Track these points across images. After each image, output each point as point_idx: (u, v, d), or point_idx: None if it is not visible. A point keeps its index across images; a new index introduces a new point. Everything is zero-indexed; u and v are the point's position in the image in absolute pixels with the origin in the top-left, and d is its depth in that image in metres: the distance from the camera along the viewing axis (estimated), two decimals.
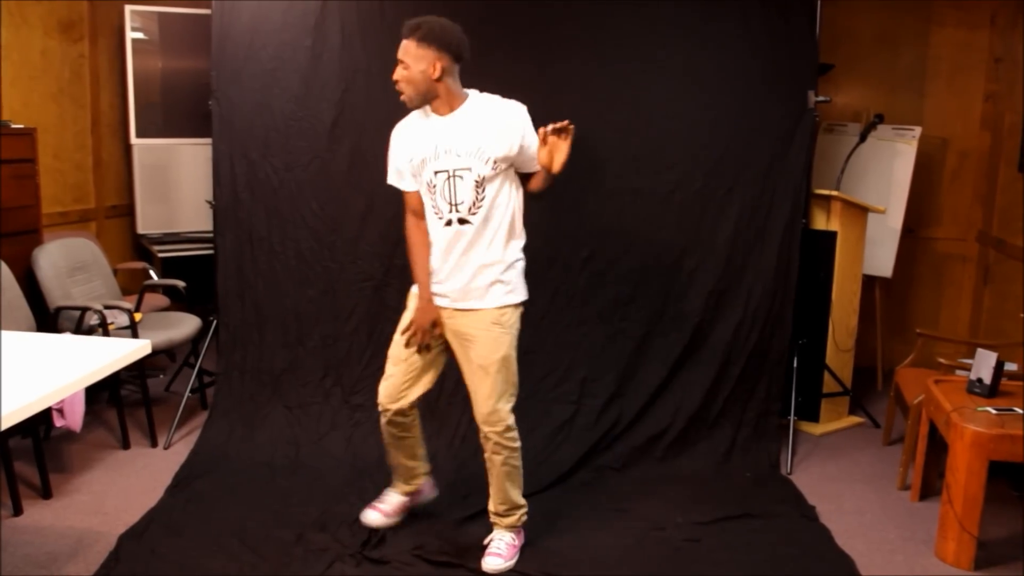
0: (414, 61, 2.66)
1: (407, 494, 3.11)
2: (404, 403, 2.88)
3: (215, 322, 3.98)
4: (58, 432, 3.82)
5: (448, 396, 3.76)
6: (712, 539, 3.06)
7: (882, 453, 3.96)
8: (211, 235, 3.98)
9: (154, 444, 3.87)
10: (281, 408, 3.82)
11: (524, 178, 2.80)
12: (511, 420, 2.76)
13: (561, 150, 2.60)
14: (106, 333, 3.78)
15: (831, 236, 4.10)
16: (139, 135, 5.12)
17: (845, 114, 4.96)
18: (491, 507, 2.90)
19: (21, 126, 4.06)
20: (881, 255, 4.66)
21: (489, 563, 2.81)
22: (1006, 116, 4.60)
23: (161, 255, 5.12)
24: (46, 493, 3.31)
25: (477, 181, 2.67)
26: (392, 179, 2.90)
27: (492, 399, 2.73)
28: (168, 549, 2.90)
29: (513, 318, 2.79)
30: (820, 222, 4.14)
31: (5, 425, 1.97)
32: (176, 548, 2.90)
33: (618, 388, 3.79)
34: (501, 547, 2.85)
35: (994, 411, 3.00)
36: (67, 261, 4.10)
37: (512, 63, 3.62)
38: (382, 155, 3.81)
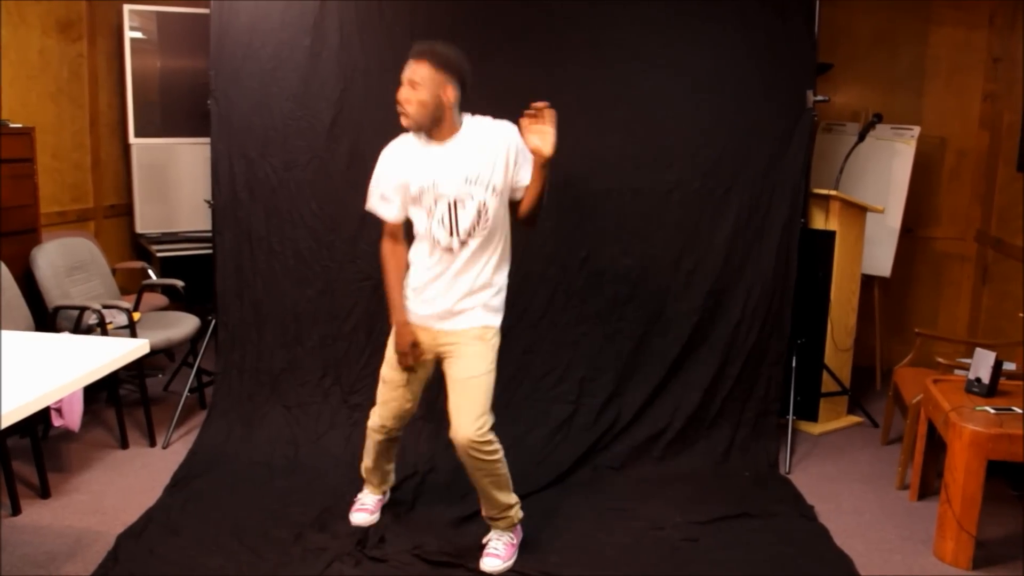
0: (428, 84, 2.61)
1: (382, 493, 3.21)
2: (405, 422, 2.99)
3: (214, 322, 3.98)
4: (56, 431, 3.82)
5: (446, 396, 3.75)
6: (711, 539, 3.06)
7: (881, 453, 3.96)
8: (210, 235, 3.98)
9: (153, 444, 3.87)
10: (280, 408, 3.82)
11: (513, 207, 2.79)
12: (491, 435, 2.71)
13: (547, 133, 2.56)
14: (104, 333, 3.77)
15: (830, 236, 4.10)
16: (138, 134, 5.12)
17: (844, 114, 4.96)
18: (483, 512, 2.90)
19: (19, 125, 4.06)
20: (880, 255, 4.66)
21: (488, 564, 2.81)
22: (1004, 115, 4.60)
23: (160, 255, 5.12)
24: (44, 493, 3.31)
25: (480, 208, 2.67)
26: (374, 204, 2.85)
27: (473, 414, 2.67)
28: (167, 549, 2.89)
29: (495, 339, 2.80)
30: (819, 222, 4.15)
31: (4, 424, 1.97)
32: (175, 548, 2.90)
33: (617, 388, 3.79)
34: (499, 548, 2.85)
35: (992, 410, 3.00)
36: (65, 261, 4.10)
37: (511, 65, 3.62)
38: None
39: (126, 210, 5.33)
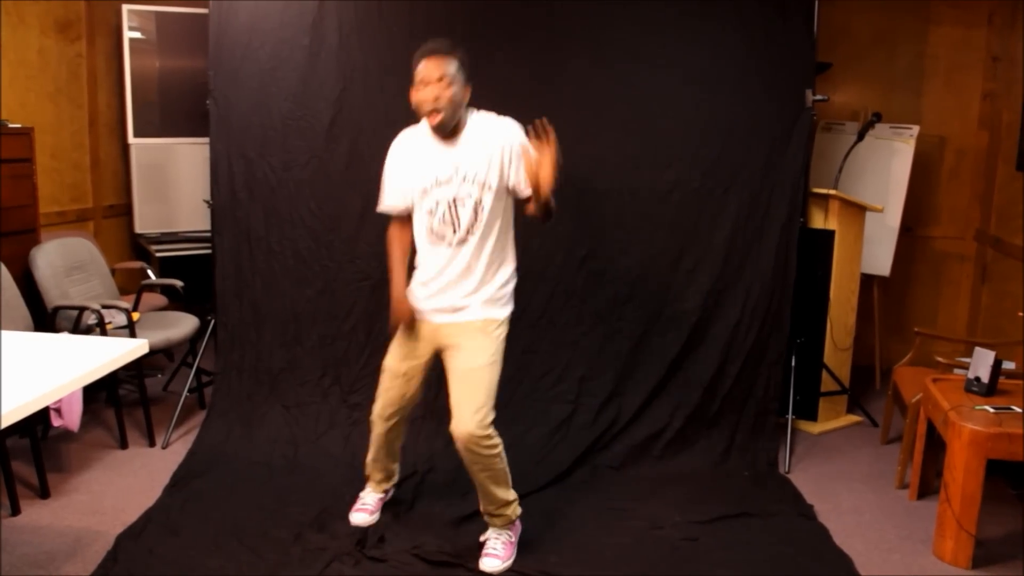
0: (457, 81, 2.63)
1: (384, 491, 3.19)
2: (406, 412, 2.96)
3: (213, 322, 3.98)
4: (56, 432, 3.82)
5: (446, 395, 3.75)
6: (710, 538, 3.06)
7: (880, 452, 3.96)
8: (209, 235, 3.98)
9: (152, 444, 3.87)
10: (279, 407, 3.82)
11: (521, 204, 2.79)
12: (491, 429, 2.71)
13: (544, 164, 2.52)
14: (104, 333, 3.77)
15: (829, 235, 4.10)
16: (137, 135, 5.12)
17: (843, 113, 4.96)
18: (481, 507, 2.89)
19: (18, 126, 4.05)
20: (879, 254, 4.66)
21: (487, 564, 2.80)
22: (1004, 114, 4.60)
23: (159, 255, 5.12)
24: (44, 493, 3.31)
25: (475, 206, 2.68)
26: (384, 198, 2.90)
27: (472, 407, 2.67)
28: (166, 549, 2.89)
29: (499, 331, 2.79)
30: (818, 221, 4.15)
31: (3, 424, 1.97)
32: (174, 547, 2.90)
33: (616, 387, 3.79)
34: (497, 547, 2.84)
35: (992, 410, 3.00)
36: (65, 261, 4.10)
37: (511, 64, 3.63)
38: (380, 154, 3.79)
39: (125, 210, 5.33)
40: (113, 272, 4.56)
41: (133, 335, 3.82)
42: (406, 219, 2.88)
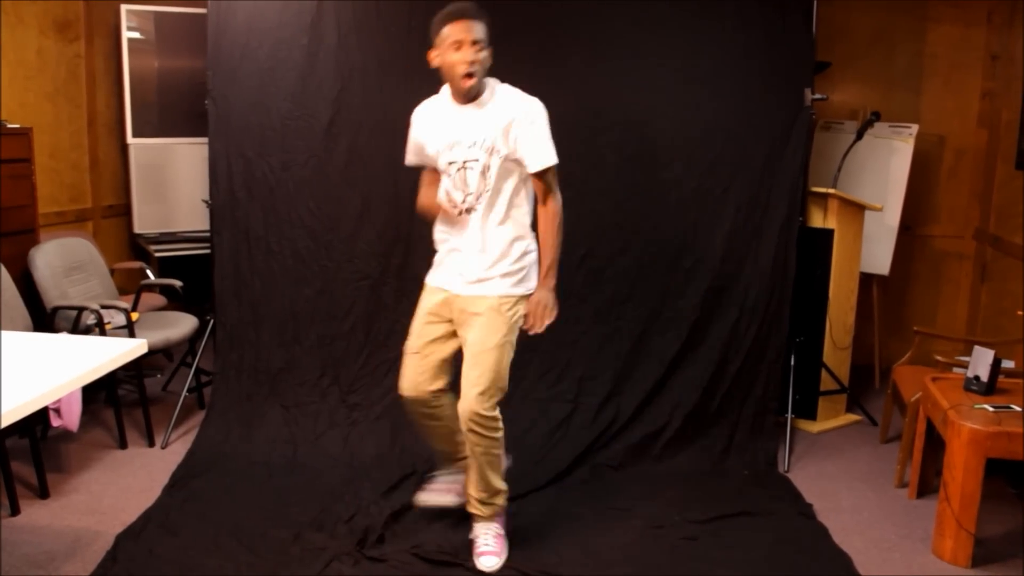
0: (486, 47, 2.65)
1: (459, 470, 3.06)
2: (423, 391, 2.86)
3: (212, 321, 3.98)
4: (55, 432, 3.81)
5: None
6: (709, 537, 3.06)
7: (879, 451, 3.96)
8: (208, 234, 3.98)
9: (151, 444, 3.87)
10: (278, 407, 3.82)
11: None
12: (496, 412, 2.71)
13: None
14: (103, 333, 3.77)
15: (828, 234, 4.10)
16: (135, 135, 5.12)
17: (842, 112, 4.96)
18: (471, 491, 2.85)
19: (17, 126, 4.05)
20: (878, 253, 4.66)
21: (485, 562, 2.80)
22: (1003, 113, 4.60)
23: (158, 255, 5.12)
24: (43, 493, 3.30)
25: (483, 170, 2.69)
26: (409, 158, 2.95)
27: (479, 387, 2.66)
28: (165, 549, 2.89)
29: (514, 310, 2.76)
30: (817, 220, 4.15)
31: (3, 424, 1.97)
32: (173, 547, 2.90)
33: (615, 386, 3.79)
34: (490, 542, 2.84)
35: (991, 408, 3.00)
36: (64, 261, 4.10)
37: (509, 61, 3.58)
38: (379, 153, 3.82)
39: (124, 210, 5.33)
40: (112, 272, 4.56)
41: (132, 335, 3.82)
42: (433, 170, 2.89)
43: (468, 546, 2.89)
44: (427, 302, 2.89)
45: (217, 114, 3.80)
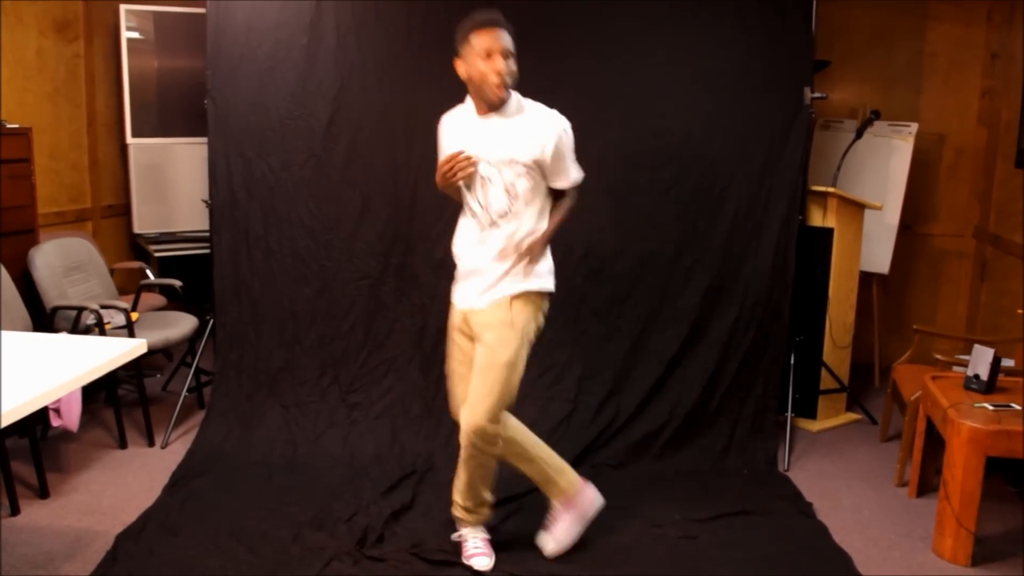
0: (514, 54, 2.61)
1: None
2: None
3: (211, 321, 3.98)
4: (55, 432, 3.81)
5: (445, 394, 3.75)
6: (709, 536, 3.06)
7: (879, 450, 3.96)
8: (207, 234, 3.98)
9: (151, 443, 3.87)
10: (278, 407, 3.82)
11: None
12: (499, 427, 2.66)
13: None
14: (102, 333, 3.77)
15: (828, 233, 4.10)
16: (135, 134, 5.12)
17: (841, 111, 4.96)
18: (458, 499, 2.84)
19: (16, 126, 4.05)
20: (878, 251, 4.66)
21: (480, 563, 2.80)
22: (1003, 112, 4.60)
23: (157, 254, 5.12)
24: (43, 493, 3.30)
25: (507, 188, 2.63)
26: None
27: (486, 403, 2.62)
28: (165, 548, 2.89)
29: (526, 313, 2.69)
30: (817, 219, 4.15)
31: (3, 424, 1.97)
32: (173, 547, 2.90)
33: (615, 385, 3.79)
34: (480, 545, 2.84)
35: (991, 407, 3.00)
36: (63, 261, 4.10)
37: None
38: (378, 153, 3.82)
39: (124, 210, 5.33)
40: (112, 272, 4.56)
41: (132, 335, 3.82)
42: None
43: (460, 549, 2.89)
44: (453, 320, 2.86)
45: (216, 114, 3.80)
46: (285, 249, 3.83)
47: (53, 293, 3.93)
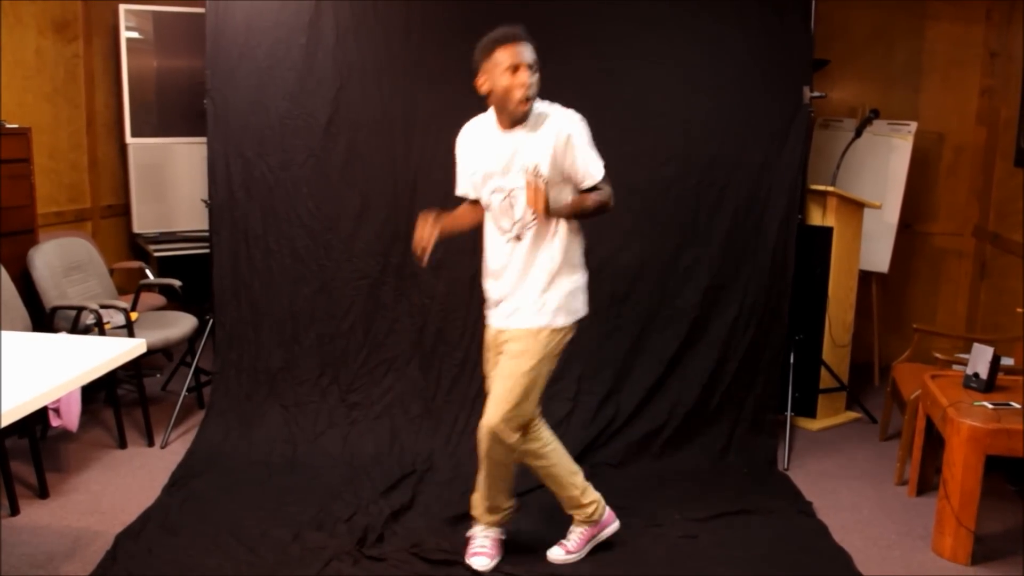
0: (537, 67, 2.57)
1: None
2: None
3: (211, 321, 3.98)
4: (54, 432, 3.81)
5: (444, 394, 3.76)
6: (709, 535, 3.06)
7: (879, 448, 3.96)
8: (207, 234, 3.97)
9: (151, 443, 3.86)
10: (278, 407, 3.82)
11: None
12: (514, 439, 2.64)
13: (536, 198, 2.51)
14: (102, 332, 3.77)
15: (827, 232, 4.10)
16: (134, 134, 5.11)
17: (840, 110, 4.96)
18: (476, 496, 2.84)
19: (16, 126, 4.05)
20: (877, 250, 4.66)
21: (478, 562, 2.80)
22: (1002, 111, 4.60)
23: (157, 254, 5.12)
24: (43, 493, 3.30)
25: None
26: (463, 187, 2.83)
27: (503, 408, 2.60)
28: (165, 548, 2.89)
29: (552, 339, 2.68)
30: (816, 218, 4.15)
31: (2, 424, 1.97)
32: (173, 547, 2.90)
33: (615, 385, 3.79)
34: (486, 544, 2.84)
35: (991, 406, 3.00)
36: (63, 261, 4.10)
37: None
38: (378, 153, 3.82)
39: (123, 210, 5.33)
40: (111, 272, 4.56)
41: (131, 335, 3.82)
42: (477, 201, 2.81)
43: (467, 544, 2.89)
44: (487, 338, 2.86)
45: (216, 114, 3.80)
46: (284, 249, 3.83)
47: (53, 293, 3.93)
